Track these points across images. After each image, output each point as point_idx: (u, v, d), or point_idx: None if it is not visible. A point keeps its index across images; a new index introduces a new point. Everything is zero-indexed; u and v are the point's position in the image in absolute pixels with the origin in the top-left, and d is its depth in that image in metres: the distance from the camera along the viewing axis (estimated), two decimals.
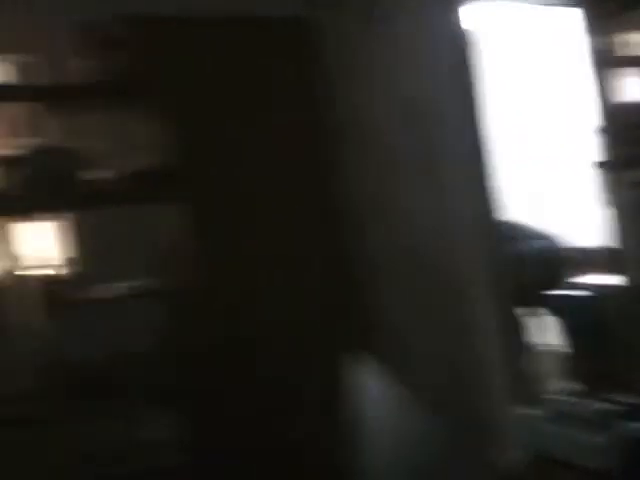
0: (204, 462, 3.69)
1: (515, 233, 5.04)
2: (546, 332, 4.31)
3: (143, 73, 3.79)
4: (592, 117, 4.06)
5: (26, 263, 3.60)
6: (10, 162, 3.64)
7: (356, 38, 4.17)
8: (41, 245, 4.16)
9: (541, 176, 5.55)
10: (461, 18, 3.56)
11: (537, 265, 5.05)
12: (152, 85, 3.64)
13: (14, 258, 3.73)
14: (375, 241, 4.36)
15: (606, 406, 3.18)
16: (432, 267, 3.93)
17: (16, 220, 3.52)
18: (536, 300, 4.29)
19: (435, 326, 3.93)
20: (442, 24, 3.59)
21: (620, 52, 3.94)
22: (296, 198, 4.38)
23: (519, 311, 3.86)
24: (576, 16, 4.11)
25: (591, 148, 4.08)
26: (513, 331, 3.72)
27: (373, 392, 2.68)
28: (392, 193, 4.14)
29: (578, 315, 3.92)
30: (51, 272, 4.08)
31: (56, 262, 4.29)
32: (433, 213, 3.85)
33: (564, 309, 4.02)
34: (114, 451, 3.73)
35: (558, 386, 3.81)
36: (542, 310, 4.34)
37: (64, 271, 4.21)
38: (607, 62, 3.90)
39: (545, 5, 4.48)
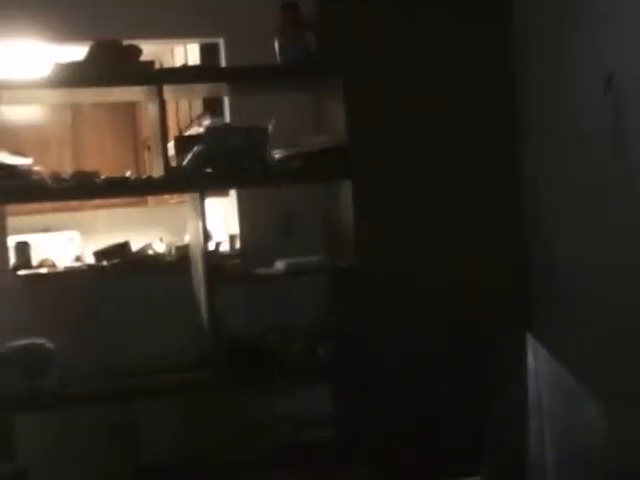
0: (357, 437, 3.71)
1: None
2: None
3: (334, 55, 3.83)
4: None
5: (198, 238, 3.71)
6: (191, 140, 3.78)
7: (558, 10, 4.03)
8: (213, 221, 4.30)
9: None
10: None
11: None
12: (341, 67, 3.67)
13: (193, 233, 3.86)
14: (550, 220, 4.25)
15: None
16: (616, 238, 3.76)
17: (195, 196, 3.63)
18: None
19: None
20: None
21: None
22: (471, 180, 4.35)
23: None
24: None
25: None
26: None
27: (542, 373, 2.61)
28: (582, 178, 4.00)
29: None
30: (218, 248, 4.20)
31: (223, 238, 4.43)
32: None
33: None
34: (271, 422, 3.82)
35: None
36: None
37: (230, 247, 4.34)
38: None
39: None
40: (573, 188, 4.04)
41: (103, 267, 4.04)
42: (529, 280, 4.39)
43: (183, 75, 3.88)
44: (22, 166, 3.44)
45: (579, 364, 2.43)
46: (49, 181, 3.43)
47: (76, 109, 6.91)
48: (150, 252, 4.24)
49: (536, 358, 2.54)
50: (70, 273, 4.25)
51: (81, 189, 3.51)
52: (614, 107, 3.65)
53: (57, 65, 3.46)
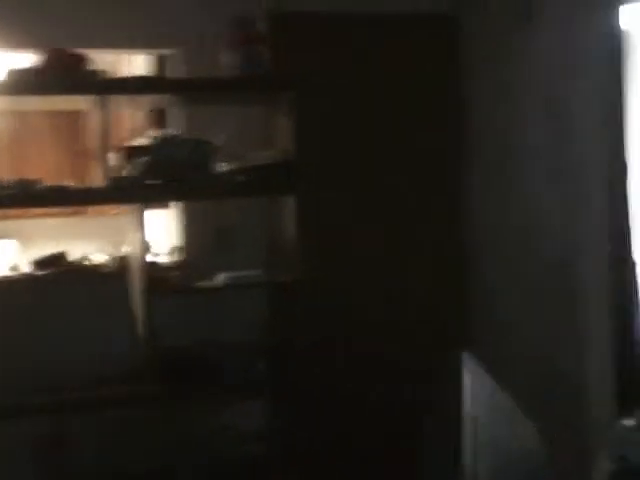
0: (290, 452, 3.70)
1: None
2: None
3: (282, 69, 3.87)
4: None
5: (138, 249, 3.68)
6: (137, 150, 3.75)
7: (501, 36, 4.11)
8: (153, 232, 4.26)
9: None
10: (610, 18, 3.43)
11: None
12: (288, 81, 3.69)
13: (134, 244, 3.83)
14: (488, 240, 4.31)
15: None
16: (549, 268, 3.84)
17: (136, 207, 3.60)
18: None
19: (544, 328, 3.84)
20: (590, 23, 3.48)
21: None
22: (415, 197, 4.39)
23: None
24: None
25: None
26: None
27: (477, 391, 2.64)
28: (521, 196, 4.07)
29: None
30: (158, 259, 4.17)
31: (164, 250, 4.39)
32: (561, 215, 3.76)
33: None
34: (204, 436, 3.79)
35: None
36: None
37: (171, 259, 4.30)
38: None
39: None
40: (509, 216, 4.11)
41: (39, 276, 3.98)
42: (466, 300, 4.44)
43: (128, 86, 3.84)
44: None
45: (513, 384, 2.47)
46: None
47: (18, 116, 6.80)
48: (88, 262, 4.20)
49: (472, 376, 2.57)
50: (5, 282, 4.18)
51: (22, 197, 3.46)
52: (553, 136, 3.75)
53: (10, 72, 3.43)
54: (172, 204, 4.36)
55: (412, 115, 4.38)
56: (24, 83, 3.43)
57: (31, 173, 4.94)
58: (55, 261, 4.03)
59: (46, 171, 5.91)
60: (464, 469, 2.66)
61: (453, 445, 2.74)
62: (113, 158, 3.62)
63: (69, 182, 3.75)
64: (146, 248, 3.59)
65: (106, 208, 6.27)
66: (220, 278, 3.69)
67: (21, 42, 3.94)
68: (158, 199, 3.99)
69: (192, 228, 4.19)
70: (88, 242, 5.78)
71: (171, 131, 4.29)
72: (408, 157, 4.38)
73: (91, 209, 6.69)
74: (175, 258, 4.25)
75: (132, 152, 3.72)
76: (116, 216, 5.69)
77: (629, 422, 3.01)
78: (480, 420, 2.54)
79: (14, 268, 5.43)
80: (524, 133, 3.98)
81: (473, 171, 4.42)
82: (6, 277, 4.39)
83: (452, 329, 4.35)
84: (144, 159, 3.54)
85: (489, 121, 4.29)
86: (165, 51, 4.36)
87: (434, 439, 3.45)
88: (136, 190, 3.53)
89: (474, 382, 2.56)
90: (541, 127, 3.85)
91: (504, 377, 2.50)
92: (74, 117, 6.93)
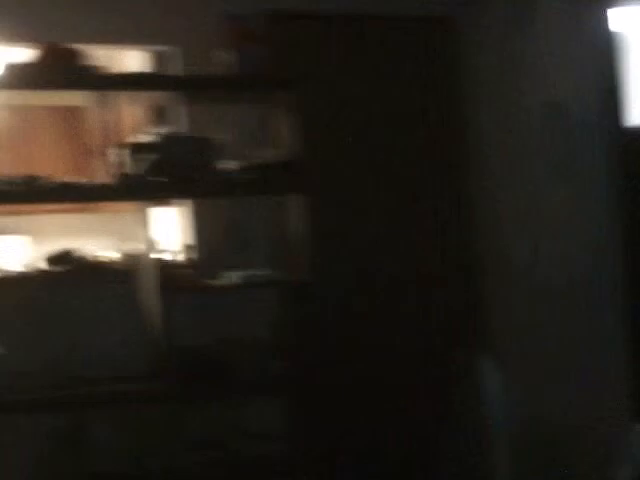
0: (304, 452, 3.70)
1: None
2: None
3: (281, 68, 3.85)
4: None
5: (148, 247, 3.68)
6: (141, 148, 3.74)
7: (500, 38, 4.11)
8: (162, 230, 4.26)
9: None
10: (608, 19, 3.46)
11: None
12: (288, 80, 3.68)
13: (143, 242, 3.82)
14: (498, 240, 4.29)
15: None
16: (556, 271, 3.83)
17: (141, 205, 3.60)
18: None
19: (557, 331, 3.83)
20: (588, 25, 3.50)
21: None
22: (421, 195, 4.37)
23: None
24: None
25: None
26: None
27: (488, 392, 2.64)
28: (525, 197, 4.06)
29: None
30: (170, 257, 4.16)
31: (175, 248, 4.38)
32: (563, 220, 3.76)
33: None
34: (219, 435, 3.79)
35: None
36: None
37: (182, 257, 4.30)
38: None
39: None
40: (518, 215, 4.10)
41: (52, 273, 3.98)
42: (482, 303, 4.42)
43: (130, 82, 3.84)
44: None
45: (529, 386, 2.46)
46: None
47: (28, 112, 6.81)
48: (101, 259, 4.19)
49: (491, 380, 2.56)
50: (18, 278, 4.18)
51: (32, 193, 3.46)
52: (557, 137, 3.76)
53: (8, 66, 3.42)
54: (178, 202, 4.36)
55: (414, 115, 4.37)
56: (21, 78, 3.43)
57: (34, 169, 4.96)
58: (68, 258, 4.03)
59: (49, 167, 5.92)
60: (483, 472, 2.65)
61: (472, 448, 2.73)
62: (115, 154, 3.61)
63: (74, 178, 3.75)
64: (157, 246, 3.59)
65: (118, 205, 6.28)
66: (232, 277, 3.68)
67: (17, 36, 3.94)
68: (166, 196, 3.99)
69: (205, 226, 4.18)
70: (99, 239, 5.77)
71: (173, 128, 4.29)
72: (414, 157, 4.37)
73: (104, 206, 6.71)
74: (186, 256, 4.24)
75: (139, 149, 3.72)
76: (126, 213, 5.69)
77: None
78: (499, 420, 2.53)
79: (28, 264, 5.44)
80: (525, 134, 3.97)
81: (479, 170, 4.41)
82: (18, 273, 4.39)
83: (468, 333, 4.32)
84: (151, 156, 3.53)
85: (490, 121, 4.27)
86: (161, 48, 4.35)
87: (453, 441, 3.44)
88: (144, 187, 3.52)
89: (493, 385, 2.55)
90: (542, 128, 3.85)
91: (520, 380, 2.49)
92: (81, 113, 6.94)
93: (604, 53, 3.49)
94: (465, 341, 4.20)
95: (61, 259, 4.02)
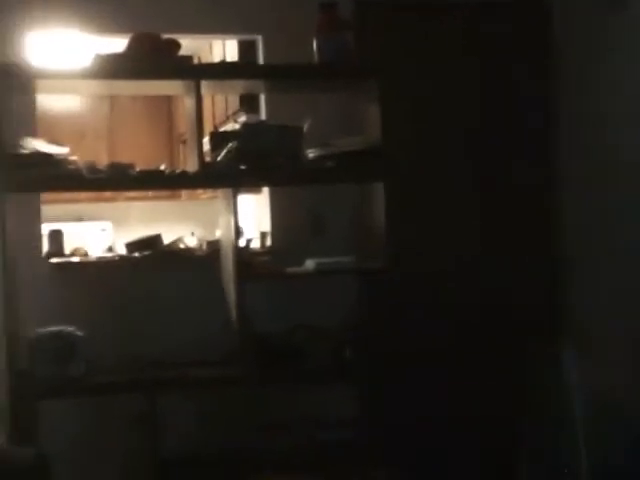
0: (376, 438, 3.72)
1: None
2: None
3: (368, 55, 3.86)
4: None
5: (227, 234, 3.73)
6: (224, 136, 3.79)
7: (596, 22, 4.03)
8: (242, 217, 4.31)
9: None
10: None
11: None
12: (373, 68, 3.68)
13: (222, 229, 3.88)
14: (583, 238, 4.23)
15: None
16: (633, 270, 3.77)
17: (228, 192, 3.65)
18: None
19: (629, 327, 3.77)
20: None
21: None
22: (501, 191, 4.33)
23: None
24: None
25: None
26: None
27: (579, 389, 2.60)
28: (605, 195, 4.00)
29: None
30: (248, 244, 4.21)
31: (253, 235, 4.44)
32: None
33: None
34: (292, 421, 3.83)
35: None
36: None
37: (260, 244, 4.35)
38: None
39: None
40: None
41: (134, 258, 4.07)
42: (562, 298, 4.36)
43: (221, 71, 3.91)
44: (58, 155, 3.47)
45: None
46: (84, 171, 3.47)
47: (113, 101, 6.96)
48: (181, 246, 4.26)
49: (573, 374, 2.52)
50: (102, 263, 4.29)
51: (116, 180, 3.54)
52: None
53: (97, 56, 3.49)
54: (256, 189, 4.40)
55: (500, 106, 4.31)
56: (115, 68, 3.49)
57: (124, 157, 5.09)
58: (149, 244, 4.11)
59: (139, 155, 6.04)
60: (566, 468, 2.62)
61: (553, 445, 2.70)
62: (205, 143, 3.67)
63: (162, 166, 3.83)
64: (238, 233, 3.63)
65: (198, 192, 6.39)
66: (310, 264, 3.71)
67: (110, 27, 4.04)
68: (249, 184, 4.03)
69: (282, 214, 4.22)
70: (181, 226, 5.88)
71: (258, 117, 4.34)
72: (496, 147, 4.32)
73: (184, 193, 6.83)
74: (265, 244, 4.30)
75: (223, 137, 3.77)
76: (208, 200, 5.79)
77: None
78: (581, 419, 2.49)
79: (110, 249, 5.57)
80: (622, 131, 3.89)
81: (567, 166, 4.34)
82: (102, 258, 4.50)
83: (547, 327, 4.27)
84: (234, 144, 3.58)
85: (582, 114, 4.20)
86: (250, 37, 4.40)
87: (531, 437, 3.38)
88: (228, 175, 3.57)
89: (575, 380, 2.51)
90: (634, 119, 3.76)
91: (602, 374, 2.46)
92: (166, 102, 7.07)
93: None
94: (547, 332, 4.16)
95: (142, 245, 4.10)
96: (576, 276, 4.28)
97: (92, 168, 3.48)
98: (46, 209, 4.13)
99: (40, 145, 3.46)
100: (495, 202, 4.33)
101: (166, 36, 3.62)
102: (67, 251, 4.32)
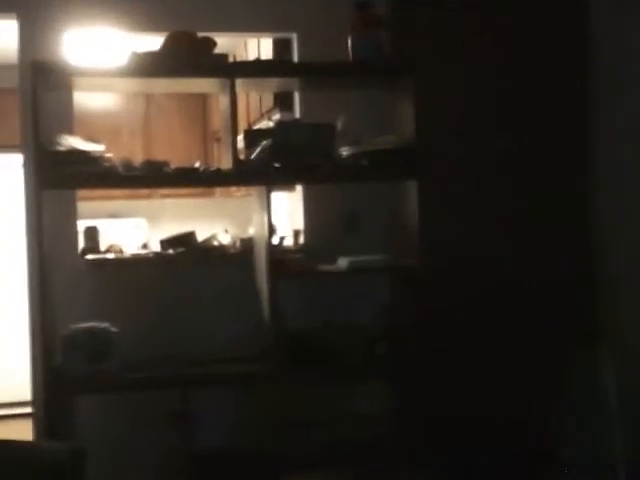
0: (410, 435, 3.70)
1: None
2: None
3: (402, 54, 3.86)
4: None
5: (260, 231, 3.74)
6: (258, 134, 3.80)
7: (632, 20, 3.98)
8: (275, 215, 4.32)
9: None
10: None
11: None
12: (408, 66, 3.67)
13: (255, 226, 3.89)
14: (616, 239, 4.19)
15: None
16: None
17: (262, 189, 3.66)
18: None
19: None
20: None
21: None
22: (537, 191, 4.30)
23: None
24: None
25: None
26: None
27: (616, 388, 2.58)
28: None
29: None
30: (281, 242, 4.22)
31: (286, 233, 4.45)
32: None
33: None
34: (325, 417, 3.83)
35: None
36: None
37: (293, 242, 4.36)
38: None
39: None
40: None
41: (169, 255, 4.10)
42: (595, 297, 4.32)
43: (256, 69, 3.91)
44: (94, 152, 3.49)
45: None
46: (120, 168, 3.49)
47: (149, 99, 7.01)
48: (215, 243, 4.28)
49: (608, 372, 2.50)
50: (137, 260, 4.32)
51: (151, 177, 3.57)
52: None
53: (133, 54, 3.51)
54: (290, 187, 4.41)
55: (538, 106, 4.27)
56: (151, 65, 3.50)
57: (159, 154, 5.13)
58: (184, 241, 4.13)
59: (174, 153, 6.08)
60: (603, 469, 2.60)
61: (589, 445, 2.68)
62: (239, 141, 3.68)
63: (197, 164, 3.85)
64: (271, 231, 3.64)
65: (232, 190, 6.41)
66: (342, 262, 3.71)
67: (146, 25, 4.07)
68: (283, 182, 4.04)
69: (315, 212, 4.23)
70: (215, 223, 5.91)
71: (292, 115, 4.34)
72: (533, 148, 4.27)
73: (218, 191, 6.86)
74: (298, 241, 4.30)
75: (257, 135, 3.78)
76: (242, 198, 5.80)
77: None
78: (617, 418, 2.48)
79: (145, 246, 5.61)
80: None
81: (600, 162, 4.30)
82: (137, 255, 4.53)
83: (583, 328, 4.23)
84: (269, 142, 3.58)
85: (618, 118, 4.14)
86: (285, 35, 4.41)
87: (567, 437, 3.35)
88: (262, 173, 3.58)
89: (612, 380, 2.49)
90: None
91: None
92: (200, 100, 7.10)
93: None
94: (583, 333, 4.12)
95: (176, 242, 4.13)
96: (612, 277, 4.23)
97: (127, 165, 3.50)
98: (82, 206, 4.16)
99: (76, 142, 3.49)
100: (530, 202, 4.29)
101: (202, 34, 3.64)
102: (102, 248, 4.36)
